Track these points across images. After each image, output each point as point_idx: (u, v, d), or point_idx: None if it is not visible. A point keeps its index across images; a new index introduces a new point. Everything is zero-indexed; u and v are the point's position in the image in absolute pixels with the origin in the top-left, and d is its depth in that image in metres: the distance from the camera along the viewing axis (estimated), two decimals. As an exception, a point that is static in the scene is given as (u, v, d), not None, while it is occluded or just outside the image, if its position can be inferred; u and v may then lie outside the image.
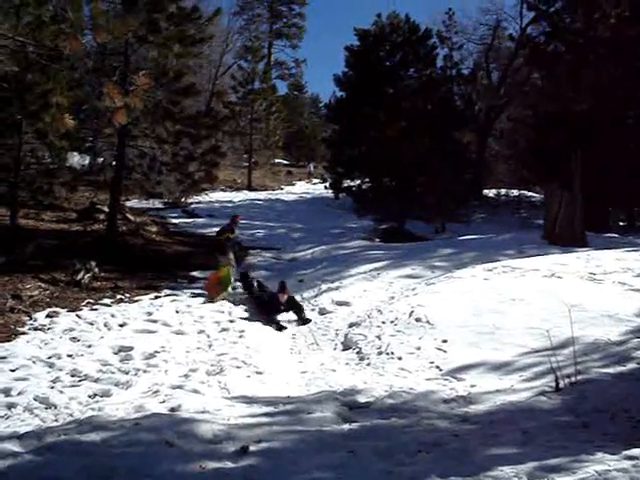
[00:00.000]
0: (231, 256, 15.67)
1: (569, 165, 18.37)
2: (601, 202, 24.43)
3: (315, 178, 46.12)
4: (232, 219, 16.73)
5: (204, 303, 13.49)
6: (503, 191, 36.08)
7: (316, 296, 14.25)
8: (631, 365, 8.36)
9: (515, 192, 35.33)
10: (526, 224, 25.58)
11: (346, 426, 6.65)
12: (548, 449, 5.80)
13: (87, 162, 26.25)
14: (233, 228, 16.31)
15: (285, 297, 13.05)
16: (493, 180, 38.24)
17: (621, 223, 28.05)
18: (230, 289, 14.26)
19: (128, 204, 24.43)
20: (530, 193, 35.76)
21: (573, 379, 7.76)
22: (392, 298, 12.97)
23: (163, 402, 7.77)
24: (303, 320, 12.66)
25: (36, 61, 13.35)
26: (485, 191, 35.38)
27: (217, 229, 17.28)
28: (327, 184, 31.82)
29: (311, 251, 19.51)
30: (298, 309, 12.94)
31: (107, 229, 19.08)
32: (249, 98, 40.32)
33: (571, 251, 15.47)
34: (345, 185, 28.45)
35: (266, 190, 37.56)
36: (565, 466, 5.30)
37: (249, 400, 7.79)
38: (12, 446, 6.10)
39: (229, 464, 5.51)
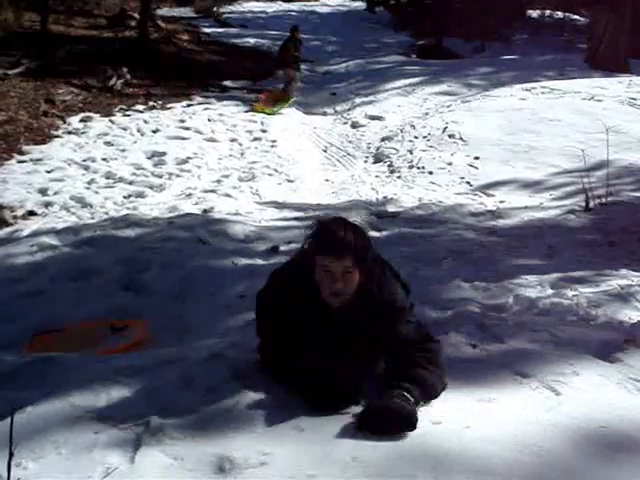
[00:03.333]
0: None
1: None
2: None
3: None
4: (292, 31, 15.58)
5: (241, 112, 13.39)
6: (547, 12, 34.39)
7: (349, 110, 14.08)
8: (664, 190, 8.31)
9: (560, 14, 33.68)
10: (569, 47, 24.55)
11: (374, 233, 6.74)
12: (573, 263, 5.88)
13: (117, -33, 25.24)
14: (300, 39, 15.57)
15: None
16: (538, 0, 36.35)
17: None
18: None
19: (159, 12, 23.70)
20: (575, 16, 34.08)
21: (603, 200, 7.74)
22: (426, 114, 12.78)
23: (196, 204, 7.92)
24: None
25: None
26: (529, 11, 33.76)
27: (251, 41, 16.51)
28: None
29: (345, 65, 19.05)
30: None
31: (138, 36, 18.63)
32: None
33: (613, 76, 14.98)
34: (383, -2, 27.30)
35: (301, 1, 36.14)
36: (589, 279, 5.38)
37: (280, 205, 7.92)
38: (50, 240, 6.31)
39: (260, 261, 5.68)
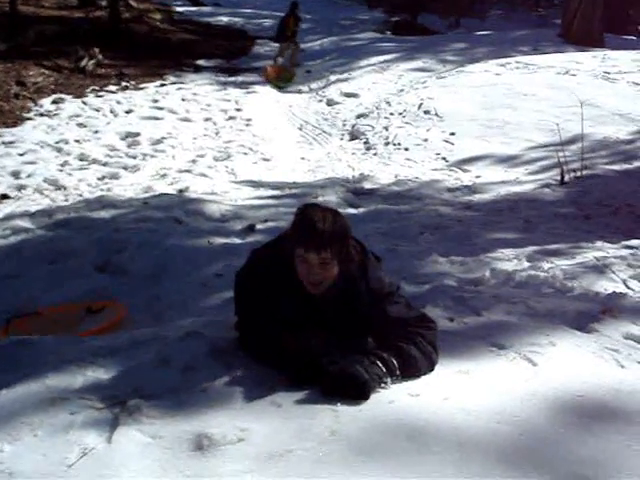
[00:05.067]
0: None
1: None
2: (622, 4, 23.35)
3: None
4: (293, 6, 16.36)
5: (215, 91, 13.33)
6: (522, -13, 34.37)
7: (324, 87, 14.00)
8: (637, 163, 8.41)
9: (534, -11, 33.68)
10: (544, 22, 24.63)
11: (351, 210, 6.75)
12: (549, 236, 5.93)
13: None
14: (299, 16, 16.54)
15: None
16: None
17: (640, 27, 26.98)
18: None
19: (130, -9, 23.40)
20: (550, -10, 34.10)
21: (579, 174, 7.81)
22: (401, 91, 12.75)
23: (171, 184, 7.89)
24: None
25: None
26: (503, -14, 33.74)
27: (224, 19, 16.59)
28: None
29: (320, 42, 18.90)
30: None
31: (110, 16, 18.37)
32: None
33: (587, 50, 15.02)
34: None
35: (274, -21, 35.83)
36: (565, 251, 5.43)
37: (256, 184, 7.89)
38: (24, 223, 6.23)
39: (236, 240, 5.67)
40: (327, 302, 2.79)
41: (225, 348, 2.86)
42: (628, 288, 4.60)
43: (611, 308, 3.73)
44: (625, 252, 5.38)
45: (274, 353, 2.68)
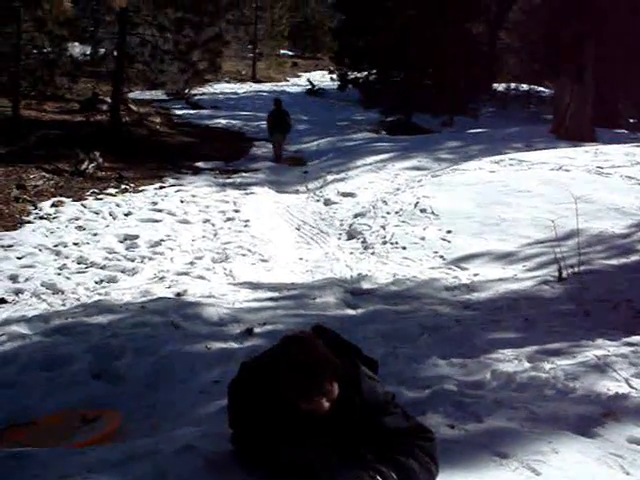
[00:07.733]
0: None
1: (581, 57, 17.90)
2: (612, 98, 23.92)
3: None
4: (278, 103, 18.10)
5: (214, 193, 13.51)
6: (513, 85, 35.31)
7: (321, 187, 14.20)
8: (635, 257, 8.38)
9: (525, 87, 34.61)
10: (535, 119, 25.18)
11: (349, 311, 6.74)
12: (549, 335, 5.87)
13: (88, 52, 25.66)
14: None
15: None
16: (503, 74, 37.32)
17: (631, 120, 27.58)
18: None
19: (131, 95, 23.97)
20: (540, 88, 35.04)
21: (576, 269, 7.78)
22: (397, 189, 12.91)
23: (169, 287, 7.85)
24: None
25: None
26: (495, 85, 34.67)
27: (223, 122, 17.29)
28: (333, 76, 31.12)
29: (316, 143, 19.32)
30: None
31: (110, 120, 18.84)
32: (253, -15, 38.90)
33: (580, 145, 15.29)
34: (352, 77, 27.88)
35: (271, 82, 36.84)
36: (565, 350, 5.38)
37: (254, 286, 7.87)
38: (21, 329, 6.20)
39: (234, 345, 5.62)
40: (322, 417, 2.69)
41: (221, 462, 2.81)
42: (630, 387, 4.53)
43: (614, 411, 3.67)
44: (626, 350, 5.33)
45: (273, 468, 2.62)
